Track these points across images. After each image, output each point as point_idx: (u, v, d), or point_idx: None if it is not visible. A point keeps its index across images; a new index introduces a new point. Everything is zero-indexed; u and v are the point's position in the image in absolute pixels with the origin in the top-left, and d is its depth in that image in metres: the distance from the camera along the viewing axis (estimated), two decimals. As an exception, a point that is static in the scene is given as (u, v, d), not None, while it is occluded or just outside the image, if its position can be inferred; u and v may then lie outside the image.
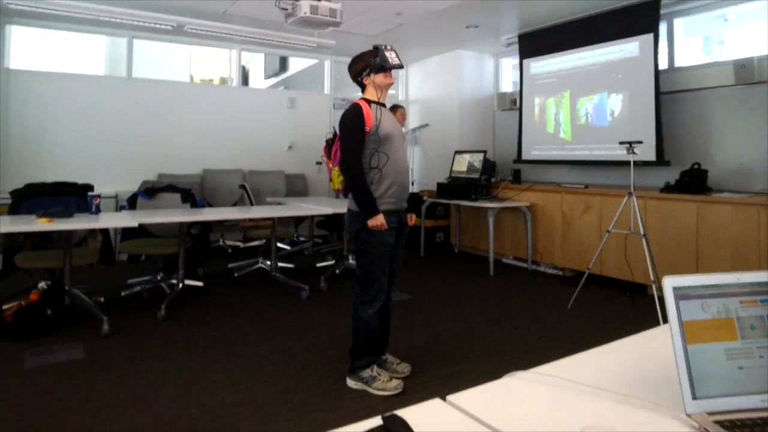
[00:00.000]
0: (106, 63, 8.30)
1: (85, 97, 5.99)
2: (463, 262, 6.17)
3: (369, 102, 2.71)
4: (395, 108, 5.65)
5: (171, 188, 4.78)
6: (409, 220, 2.86)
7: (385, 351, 2.92)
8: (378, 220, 2.60)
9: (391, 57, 2.69)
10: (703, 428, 0.81)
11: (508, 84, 7.47)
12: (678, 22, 5.25)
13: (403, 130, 5.66)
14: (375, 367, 2.72)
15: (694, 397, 0.85)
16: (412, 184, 7.83)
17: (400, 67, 2.73)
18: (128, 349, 3.21)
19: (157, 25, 5.67)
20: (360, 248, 2.71)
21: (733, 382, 0.87)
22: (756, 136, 4.48)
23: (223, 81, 9.06)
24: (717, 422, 0.81)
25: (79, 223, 3.52)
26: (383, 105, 2.77)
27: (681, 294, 0.90)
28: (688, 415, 0.84)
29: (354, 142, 2.64)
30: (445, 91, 7.42)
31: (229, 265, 5.29)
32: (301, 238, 6.96)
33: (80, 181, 4.45)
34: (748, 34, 4.85)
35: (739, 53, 4.69)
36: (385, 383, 2.65)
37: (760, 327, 0.90)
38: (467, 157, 6.44)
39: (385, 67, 2.67)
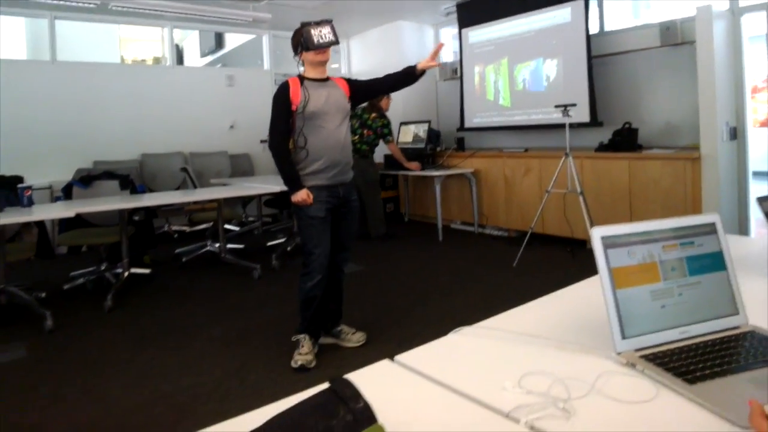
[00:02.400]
0: (28, 46, 7.80)
1: (7, 83, 5.60)
2: (413, 231, 6.27)
3: (303, 79, 2.70)
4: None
5: (108, 175, 4.59)
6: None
7: (339, 322, 2.97)
8: (299, 196, 2.65)
9: (320, 34, 2.61)
10: (631, 363, 0.88)
11: (448, 54, 7.50)
12: (607, -13, 5.40)
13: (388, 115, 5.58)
14: (307, 337, 2.75)
15: (624, 337, 0.91)
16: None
17: (330, 44, 2.64)
18: (75, 344, 3.12)
19: (79, 4, 5.35)
20: (297, 223, 2.82)
21: (657, 320, 0.94)
22: (681, 95, 4.71)
23: (157, 61, 8.69)
24: (642, 356, 0.88)
25: (10, 217, 3.34)
26: (323, 80, 2.74)
27: (609, 243, 0.95)
28: (618, 354, 0.90)
29: (277, 121, 2.67)
30: (387, 63, 7.36)
31: (177, 251, 5.17)
32: (250, 218, 6.87)
33: (8, 173, 4.22)
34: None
35: (664, 16, 4.88)
36: (301, 354, 2.68)
37: (679, 268, 0.98)
38: (412, 127, 6.48)
39: (309, 47, 2.63)
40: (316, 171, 2.69)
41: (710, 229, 1.02)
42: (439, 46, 2.78)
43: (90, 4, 5.32)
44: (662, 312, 0.95)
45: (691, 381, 0.79)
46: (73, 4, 5.32)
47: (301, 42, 2.64)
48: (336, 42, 2.67)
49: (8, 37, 7.25)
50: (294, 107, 2.64)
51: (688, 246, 0.99)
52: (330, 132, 2.69)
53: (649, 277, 0.96)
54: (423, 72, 2.78)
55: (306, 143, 2.66)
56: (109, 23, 6.78)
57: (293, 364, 2.65)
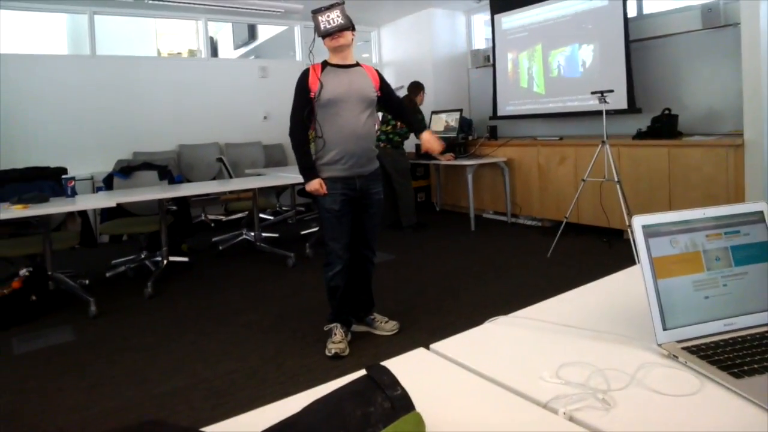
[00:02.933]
0: (68, 41, 8.03)
1: (50, 77, 5.79)
2: (444, 220, 6.24)
3: (326, 65, 2.65)
4: (418, 89, 5.61)
5: (147, 166, 4.71)
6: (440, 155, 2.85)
7: (372, 310, 2.99)
8: (312, 186, 2.64)
9: (328, 19, 2.52)
10: (672, 355, 0.85)
11: (480, 41, 7.40)
12: (646, -32, 5.23)
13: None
14: (338, 326, 2.77)
15: (665, 328, 0.88)
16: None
17: (339, 29, 2.52)
18: (118, 328, 3.23)
19: (117, -1, 5.48)
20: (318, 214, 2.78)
21: (700, 311, 0.91)
22: (724, 79, 4.54)
23: (192, 53, 8.84)
24: (684, 348, 0.86)
25: (56, 207, 3.47)
26: (348, 66, 2.66)
27: (650, 231, 0.92)
28: (659, 345, 0.88)
29: (295, 108, 2.66)
30: (418, 52, 7.34)
31: (213, 239, 5.28)
32: (284, 208, 6.95)
33: (53, 165, 4.37)
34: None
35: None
36: (334, 342, 2.70)
37: (724, 258, 0.94)
38: (444, 116, 6.43)
39: (321, 36, 2.57)
40: (330, 161, 2.64)
41: (758, 218, 0.97)
42: (440, 151, 2.93)
43: (127, -2, 5.44)
44: (706, 303, 0.92)
45: (738, 375, 0.76)
46: (112, -1, 5.44)
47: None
48: (345, 26, 2.53)
49: (50, 33, 7.48)
50: (312, 94, 2.60)
51: (734, 235, 0.96)
52: (346, 121, 2.60)
53: (692, 267, 0.93)
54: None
55: (324, 131, 2.62)
56: (145, 17, 6.91)
57: (327, 353, 2.68)
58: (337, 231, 2.70)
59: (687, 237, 0.94)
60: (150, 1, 5.60)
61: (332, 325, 2.78)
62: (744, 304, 0.93)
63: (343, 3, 2.55)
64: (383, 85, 2.77)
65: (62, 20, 7.84)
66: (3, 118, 5.51)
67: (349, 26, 2.57)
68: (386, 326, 2.94)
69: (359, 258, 2.85)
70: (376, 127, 2.88)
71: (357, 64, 2.71)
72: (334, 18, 2.52)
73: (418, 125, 3.02)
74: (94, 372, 2.64)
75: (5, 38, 6.33)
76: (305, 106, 2.63)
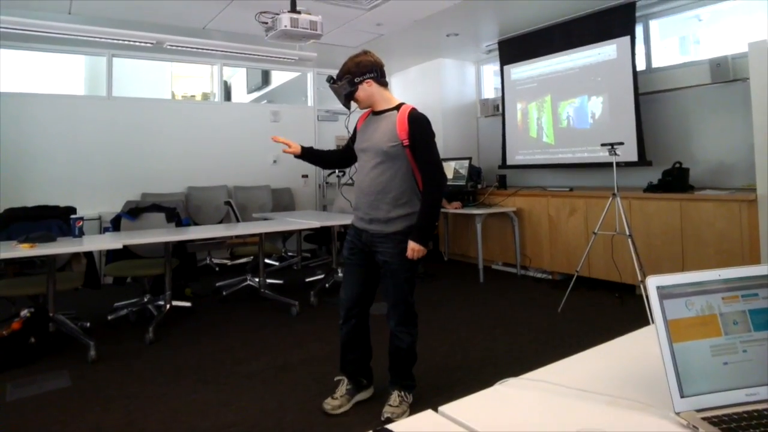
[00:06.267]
0: (86, 82, 8.25)
1: (65, 117, 5.92)
2: (452, 270, 6.17)
3: (372, 111, 2.62)
4: None
5: (155, 208, 4.73)
6: (409, 251, 2.41)
7: (391, 385, 2.60)
8: None
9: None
10: (692, 425, 0.81)
11: (490, 90, 7.52)
12: (654, 24, 5.33)
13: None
14: (345, 380, 2.65)
15: (682, 396, 0.85)
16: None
17: (344, 104, 2.58)
18: (116, 375, 3.15)
19: (137, 43, 5.63)
20: None
21: (720, 378, 0.87)
22: (735, 133, 4.54)
23: (206, 96, 9.02)
24: (705, 419, 0.81)
25: (62, 247, 3.45)
26: (381, 112, 2.55)
27: (665, 293, 0.90)
28: (677, 414, 0.84)
29: None
30: (427, 100, 7.45)
31: (217, 284, 5.23)
32: (290, 253, 6.92)
33: (62, 204, 4.39)
34: (722, 33, 4.94)
35: (715, 52, 4.77)
36: (333, 398, 2.59)
37: (742, 322, 0.91)
38: (453, 164, 6.46)
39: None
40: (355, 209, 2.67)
41: (778, 282, 0.94)
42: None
43: (147, 42, 5.59)
44: (725, 370, 0.88)
45: (767, 454, 0.71)
46: (131, 42, 5.59)
47: None
48: (342, 102, 2.58)
49: (69, 74, 7.70)
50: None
51: (752, 298, 0.93)
52: (358, 172, 2.59)
53: (709, 330, 0.90)
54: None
55: None
56: (163, 61, 7.11)
57: (324, 406, 2.58)
58: (347, 279, 2.65)
59: (703, 299, 0.91)
60: (169, 46, 5.76)
61: (340, 378, 2.67)
62: (767, 373, 0.88)
63: (329, 80, 2.58)
64: (412, 133, 2.42)
65: (81, 61, 8.08)
66: (16, 156, 5.60)
67: (346, 96, 2.53)
68: (388, 408, 2.48)
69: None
70: (398, 181, 2.48)
71: (395, 108, 2.53)
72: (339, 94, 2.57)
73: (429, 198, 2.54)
74: (88, 422, 2.55)
75: (24, 77, 6.52)
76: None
